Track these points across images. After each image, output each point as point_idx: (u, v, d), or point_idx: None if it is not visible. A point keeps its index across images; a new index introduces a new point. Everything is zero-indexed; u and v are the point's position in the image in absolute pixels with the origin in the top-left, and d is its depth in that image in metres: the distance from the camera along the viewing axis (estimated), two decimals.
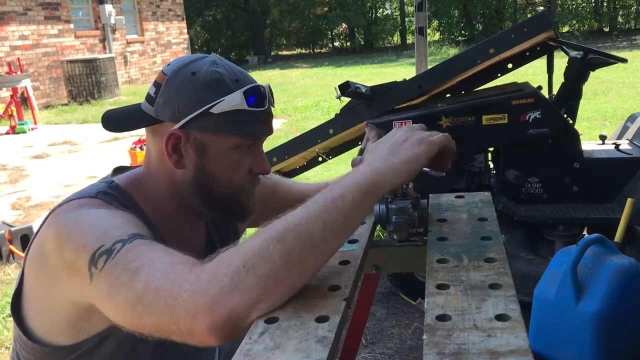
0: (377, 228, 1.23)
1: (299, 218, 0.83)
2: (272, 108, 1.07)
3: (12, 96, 9.03)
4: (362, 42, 24.95)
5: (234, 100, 0.99)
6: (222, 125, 0.99)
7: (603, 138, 2.83)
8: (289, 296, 0.83)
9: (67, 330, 0.98)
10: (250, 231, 1.05)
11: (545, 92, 2.75)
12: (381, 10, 26.25)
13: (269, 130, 1.06)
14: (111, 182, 1.05)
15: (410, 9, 21.32)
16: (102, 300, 0.87)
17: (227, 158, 1.02)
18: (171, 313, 0.79)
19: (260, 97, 1.02)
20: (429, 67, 3.72)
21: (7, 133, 8.73)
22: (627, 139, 2.89)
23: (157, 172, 1.06)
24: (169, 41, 16.43)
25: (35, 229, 3.75)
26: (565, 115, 2.63)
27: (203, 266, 0.81)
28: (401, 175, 0.91)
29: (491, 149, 2.71)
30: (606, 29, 21.54)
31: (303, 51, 25.90)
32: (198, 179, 1.03)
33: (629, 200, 2.35)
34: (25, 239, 3.66)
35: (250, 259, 0.79)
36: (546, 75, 2.86)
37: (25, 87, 9.44)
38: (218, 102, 0.98)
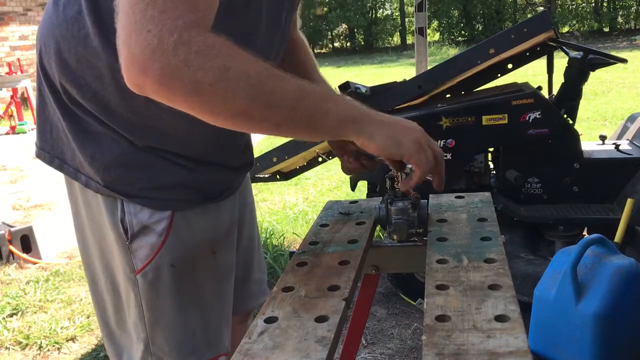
0: (377, 228, 1.23)
1: (292, 90, 0.85)
2: None
3: (12, 96, 9.04)
4: (362, 43, 24.95)
5: None
6: None
7: (603, 138, 2.83)
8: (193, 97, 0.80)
9: None
10: None
11: (545, 92, 2.75)
12: (381, 10, 26.27)
13: None
14: None
15: (410, 9, 21.32)
16: None
17: None
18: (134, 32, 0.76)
19: None
20: (429, 67, 3.71)
21: (7, 133, 8.73)
22: (627, 139, 2.89)
23: None
24: None
25: (35, 229, 3.75)
26: (565, 116, 2.63)
27: (198, 37, 0.77)
28: (373, 139, 0.92)
29: (491, 149, 2.71)
30: (606, 29, 21.54)
31: None
32: None
33: (629, 201, 2.35)
34: (25, 239, 3.66)
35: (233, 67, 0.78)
36: (546, 76, 2.86)
37: (25, 87, 9.43)
38: None
